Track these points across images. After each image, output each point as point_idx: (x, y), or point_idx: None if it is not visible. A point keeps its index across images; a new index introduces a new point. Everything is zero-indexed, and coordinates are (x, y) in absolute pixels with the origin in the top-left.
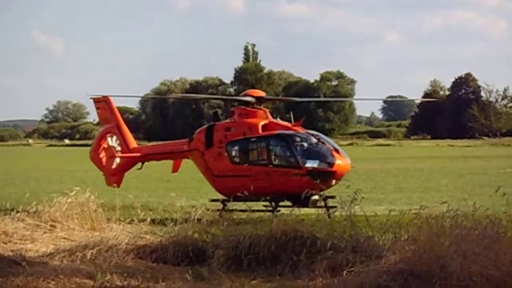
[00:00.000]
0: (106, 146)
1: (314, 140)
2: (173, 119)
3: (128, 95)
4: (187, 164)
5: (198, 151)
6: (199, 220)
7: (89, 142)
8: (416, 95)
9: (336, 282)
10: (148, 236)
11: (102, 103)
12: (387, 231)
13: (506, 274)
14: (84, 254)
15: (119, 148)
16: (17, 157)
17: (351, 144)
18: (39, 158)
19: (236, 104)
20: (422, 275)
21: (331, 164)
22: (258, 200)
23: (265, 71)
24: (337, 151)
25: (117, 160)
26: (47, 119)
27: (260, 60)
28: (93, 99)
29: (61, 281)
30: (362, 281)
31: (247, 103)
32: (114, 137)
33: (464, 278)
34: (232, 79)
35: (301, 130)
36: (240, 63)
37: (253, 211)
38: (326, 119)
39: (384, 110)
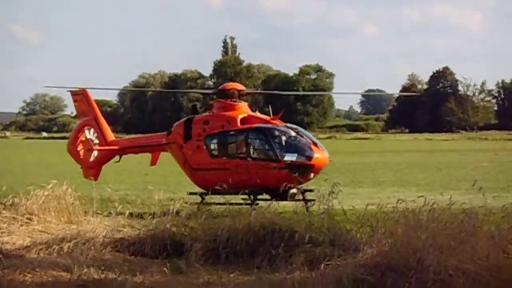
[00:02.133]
0: (83, 139)
1: (293, 134)
2: (151, 112)
3: (107, 88)
4: (166, 157)
5: (177, 144)
6: (177, 213)
7: (67, 135)
8: (394, 89)
9: (313, 275)
10: (125, 229)
11: (79, 95)
12: (365, 225)
13: (482, 268)
14: (61, 247)
15: (97, 141)
16: None
17: (329, 137)
18: (16, 150)
19: (214, 97)
20: (399, 269)
21: (309, 158)
22: (236, 193)
23: (244, 64)
24: (315, 144)
25: (95, 153)
26: (24, 112)
27: (239, 53)
28: (71, 91)
29: (37, 274)
30: (339, 275)
31: (225, 96)
32: (92, 130)
33: (441, 272)
34: (211, 72)
35: (279, 123)
36: (219, 56)
37: (231, 204)
38: (305, 113)
39: (362, 103)
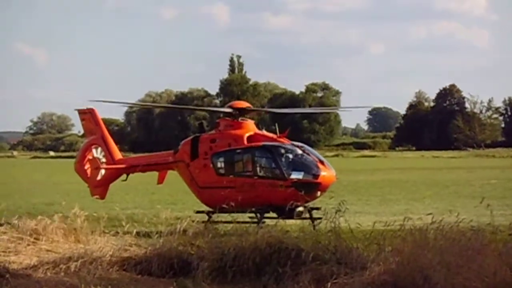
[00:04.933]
0: (91, 157)
1: (299, 152)
2: (158, 131)
3: (113, 101)
4: (172, 175)
5: (183, 162)
6: (184, 232)
7: (74, 154)
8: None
9: None
10: (132, 248)
11: (87, 114)
12: (372, 243)
13: (489, 285)
14: (68, 266)
15: (104, 160)
16: (1, 169)
17: (336, 155)
18: (23, 170)
19: (221, 115)
20: (406, 287)
21: (316, 176)
22: (243, 212)
23: (250, 82)
24: (322, 162)
25: (102, 171)
26: (31, 131)
27: (245, 72)
28: (78, 110)
29: None
30: None
31: (232, 115)
32: (99, 149)
33: None
34: (217, 90)
35: (286, 141)
36: (225, 75)
37: (238, 222)
38: (312, 131)
39: (369, 121)
